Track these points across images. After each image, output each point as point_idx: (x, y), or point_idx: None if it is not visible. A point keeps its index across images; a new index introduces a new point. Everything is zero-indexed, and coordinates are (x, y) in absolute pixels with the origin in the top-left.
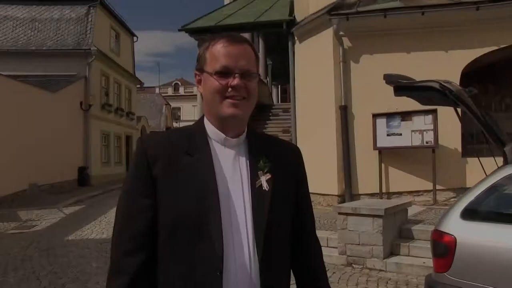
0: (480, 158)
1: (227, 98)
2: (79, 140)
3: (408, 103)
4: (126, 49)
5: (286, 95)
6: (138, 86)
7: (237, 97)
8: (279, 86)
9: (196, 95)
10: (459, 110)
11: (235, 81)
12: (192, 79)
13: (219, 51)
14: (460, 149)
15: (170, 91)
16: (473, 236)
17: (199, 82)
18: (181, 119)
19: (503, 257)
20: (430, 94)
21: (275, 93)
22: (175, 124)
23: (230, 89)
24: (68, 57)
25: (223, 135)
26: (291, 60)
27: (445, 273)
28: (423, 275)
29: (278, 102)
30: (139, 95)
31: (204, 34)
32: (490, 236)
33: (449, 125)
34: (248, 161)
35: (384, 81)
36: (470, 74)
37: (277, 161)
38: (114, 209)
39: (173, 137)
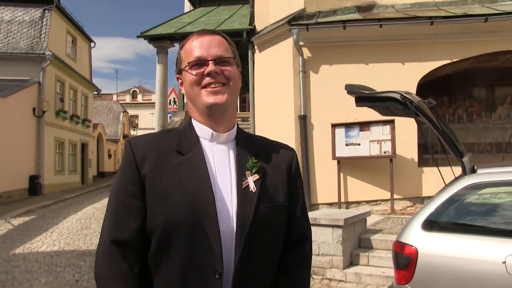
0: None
1: (205, 88)
2: (31, 147)
3: (367, 114)
4: (83, 55)
5: (246, 104)
6: (95, 92)
7: (215, 84)
8: (239, 95)
9: (154, 103)
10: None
11: (209, 68)
12: (150, 87)
13: (191, 45)
14: (416, 159)
15: (128, 98)
16: (434, 247)
17: (181, 84)
18: (139, 127)
19: (464, 268)
20: (391, 105)
21: None
22: (132, 132)
23: (205, 78)
24: (21, 61)
25: (211, 130)
26: (250, 69)
27: (407, 285)
28: (383, 285)
29: (237, 111)
30: (96, 102)
31: (163, 42)
32: (451, 247)
33: (406, 135)
34: (236, 160)
35: (346, 91)
36: (425, 86)
37: (268, 162)
38: (68, 219)
39: (162, 136)
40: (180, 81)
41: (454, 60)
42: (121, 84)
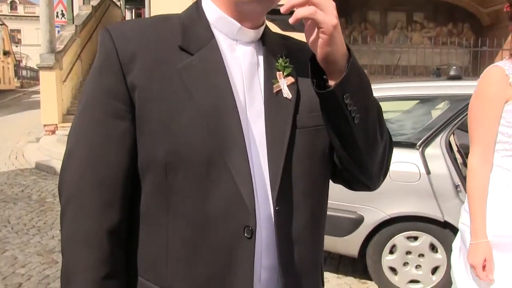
0: None
1: None
2: None
3: None
4: None
5: None
6: None
7: None
8: (133, 10)
9: (38, 16)
10: None
11: None
12: None
13: None
14: None
15: (5, 9)
16: None
17: None
18: (22, 43)
19: None
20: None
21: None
22: (15, 49)
23: None
24: None
25: (237, 24)
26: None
27: None
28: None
29: None
30: None
31: None
32: None
33: None
34: (264, 62)
35: None
36: None
37: (300, 65)
38: None
39: (159, 27)
40: None
41: None
42: None
